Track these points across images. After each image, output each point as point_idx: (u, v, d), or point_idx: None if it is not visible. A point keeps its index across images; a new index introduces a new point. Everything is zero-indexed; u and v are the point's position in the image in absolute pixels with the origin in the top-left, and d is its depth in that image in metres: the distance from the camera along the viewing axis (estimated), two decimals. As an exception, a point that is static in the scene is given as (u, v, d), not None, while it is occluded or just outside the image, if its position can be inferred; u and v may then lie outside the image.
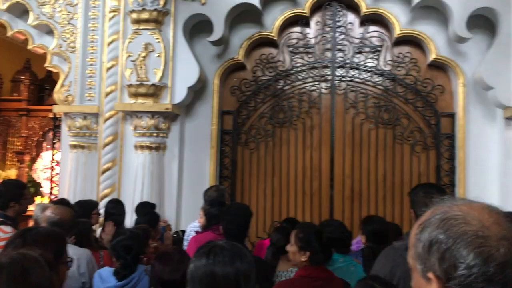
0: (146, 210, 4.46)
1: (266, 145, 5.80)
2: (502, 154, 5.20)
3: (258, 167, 5.80)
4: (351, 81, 5.68)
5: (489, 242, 0.90)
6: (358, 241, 4.47)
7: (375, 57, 5.65)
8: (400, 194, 5.47)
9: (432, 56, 5.44)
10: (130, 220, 4.84)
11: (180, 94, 5.36)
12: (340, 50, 5.71)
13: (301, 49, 5.77)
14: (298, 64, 5.75)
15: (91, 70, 5.68)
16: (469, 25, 5.08)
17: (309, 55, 5.75)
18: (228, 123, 5.82)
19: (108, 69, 5.59)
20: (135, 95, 5.38)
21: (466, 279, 0.89)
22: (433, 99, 5.54)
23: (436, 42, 5.44)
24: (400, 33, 5.49)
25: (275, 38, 5.72)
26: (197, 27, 5.67)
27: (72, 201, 4.52)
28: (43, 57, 6.01)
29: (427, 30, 5.47)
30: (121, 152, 5.56)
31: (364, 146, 5.68)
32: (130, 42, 5.39)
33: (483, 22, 5.30)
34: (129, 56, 5.38)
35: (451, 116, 5.51)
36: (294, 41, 5.80)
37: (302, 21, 5.72)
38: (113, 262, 2.95)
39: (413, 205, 2.74)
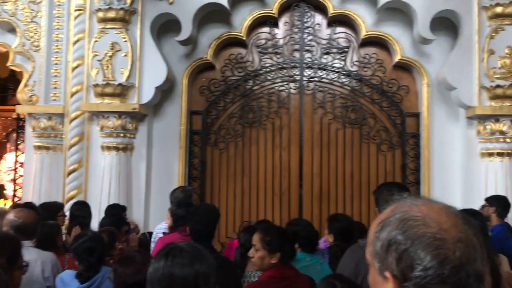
0: (114, 211, 4.41)
1: (236, 145, 5.81)
2: (465, 152, 5.36)
3: (227, 167, 5.80)
4: (319, 81, 5.75)
5: (446, 245, 0.91)
6: (325, 240, 4.54)
7: (342, 58, 5.73)
8: (367, 193, 5.57)
9: (397, 57, 5.56)
10: (97, 222, 4.77)
11: (147, 94, 5.32)
12: (308, 50, 5.77)
13: (269, 50, 5.81)
14: (267, 64, 5.78)
15: (56, 69, 5.58)
16: (432, 27, 5.21)
17: (278, 56, 5.79)
18: (197, 123, 5.80)
19: (74, 68, 5.50)
20: (102, 95, 5.31)
21: (422, 280, 0.91)
22: (398, 99, 5.66)
23: (401, 44, 5.56)
24: (366, 35, 5.59)
25: (243, 38, 5.73)
26: (165, 27, 5.64)
27: (37, 203, 4.43)
28: (5, 56, 5.86)
29: (393, 31, 5.59)
30: (87, 153, 5.48)
31: (332, 146, 5.76)
32: (96, 41, 5.32)
33: (446, 24, 5.44)
34: (95, 55, 5.30)
35: (416, 115, 5.65)
36: (263, 41, 5.83)
37: (270, 21, 5.76)
38: (76, 266, 2.91)
39: (378, 203, 2.79)
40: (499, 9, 5.05)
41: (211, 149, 5.80)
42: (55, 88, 5.58)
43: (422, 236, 0.92)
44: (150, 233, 4.60)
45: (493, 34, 5.06)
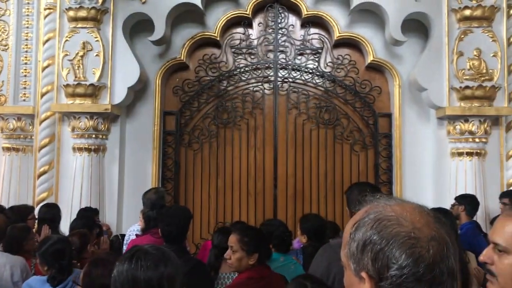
0: (86, 214, 4.35)
1: (210, 146, 5.80)
2: (435, 152, 5.46)
3: (202, 168, 5.79)
4: (293, 82, 5.79)
5: (420, 243, 0.93)
6: (299, 240, 4.57)
7: (316, 58, 5.78)
8: (340, 192, 5.62)
9: (369, 58, 5.64)
10: (69, 225, 4.70)
11: (120, 94, 5.28)
12: (282, 51, 5.80)
13: (244, 50, 5.82)
14: (241, 65, 5.79)
15: (25, 69, 5.48)
16: (404, 29, 5.30)
17: (252, 56, 5.81)
18: (170, 123, 5.78)
19: (44, 68, 5.41)
20: (73, 95, 5.24)
21: (397, 279, 0.92)
22: (371, 100, 5.74)
23: (374, 45, 5.64)
24: (339, 36, 5.65)
25: (217, 38, 5.73)
26: (138, 26, 5.59)
27: (6, 206, 4.34)
28: (-28, 55, 5.71)
29: (365, 33, 5.67)
30: (58, 154, 5.39)
31: (306, 146, 5.81)
32: (67, 40, 5.25)
33: (417, 26, 5.54)
34: (66, 55, 5.23)
35: (388, 116, 5.73)
36: (237, 41, 5.84)
37: (244, 22, 5.77)
38: (44, 271, 2.86)
39: (349, 203, 2.82)
40: (467, 12, 5.17)
41: (185, 150, 5.78)
42: (25, 88, 5.48)
43: (397, 236, 0.93)
44: (123, 235, 4.56)
45: (462, 36, 5.18)
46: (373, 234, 0.95)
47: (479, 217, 4.88)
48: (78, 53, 5.21)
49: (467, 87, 5.14)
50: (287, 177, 5.77)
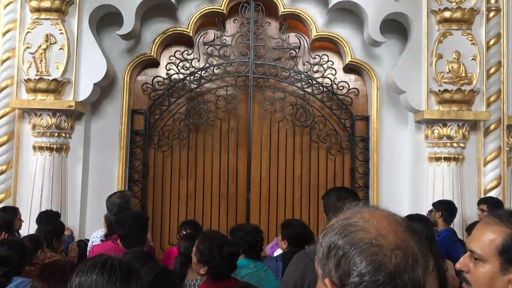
0: (49, 219, 4.25)
1: (181, 147, 5.73)
2: (413, 156, 5.50)
3: (171, 170, 5.72)
4: (268, 81, 5.76)
5: (383, 251, 0.93)
6: (273, 246, 4.54)
7: (293, 58, 5.77)
8: (316, 197, 5.61)
9: (347, 59, 5.66)
10: (27, 229, 4.58)
11: (85, 90, 5.18)
12: (257, 49, 5.77)
13: (217, 47, 5.76)
14: (215, 63, 5.73)
15: (-18, 62, 5.30)
16: (383, 30, 5.33)
17: (226, 54, 5.76)
18: (139, 123, 5.69)
19: (3, 61, 5.27)
20: (34, 91, 5.12)
21: (357, 286, 0.92)
22: (348, 102, 5.75)
23: (352, 45, 5.65)
24: (317, 35, 5.65)
25: (190, 34, 5.66)
26: (106, 19, 5.49)
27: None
28: None
29: (343, 32, 5.68)
30: (17, 153, 5.25)
31: (281, 148, 5.79)
32: (28, 32, 5.13)
33: (397, 27, 5.58)
34: (28, 48, 5.11)
35: (366, 119, 5.76)
36: (211, 38, 5.78)
37: (219, 18, 5.71)
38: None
39: (326, 209, 2.80)
40: (447, 14, 5.23)
41: (154, 150, 5.70)
42: (-18, 82, 5.29)
43: (360, 242, 0.94)
44: (87, 241, 4.45)
45: (442, 38, 5.24)
46: (338, 239, 0.96)
47: (456, 223, 4.93)
48: (40, 46, 5.10)
49: (446, 90, 5.19)
50: (261, 180, 5.74)
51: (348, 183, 5.64)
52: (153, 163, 5.70)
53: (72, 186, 5.27)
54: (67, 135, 5.29)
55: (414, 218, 3.28)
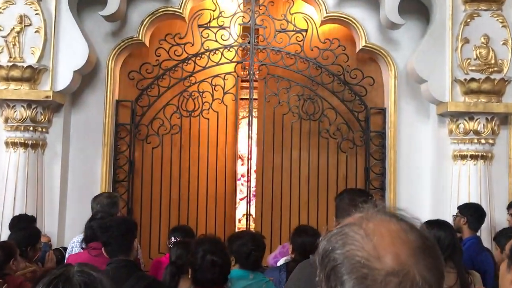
0: (23, 225, 4.26)
1: (172, 141, 5.74)
2: (435, 154, 5.48)
3: (162, 168, 5.72)
4: (272, 68, 5.74)
5: (374, 275, 0.92)
6: (276, 255, 4.52)
7: (300, 41, 5.73)
8: (325, 199, 5.59)
9: (361, 44, 5.63)
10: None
11: (64, 79, 5.18)
12: (259, 31, 5.74)
13: (214, 30, 5.74)
14: (211, 47, 5.72)
15: None
16: (401, 10, 5.29)
17: (224, 37, 5.73)
18: (125, 115, 5.70)
19: (-29, 46, 5.25)
20: (7, 79, 5.14)
21: None
22: (362, 92, 5.72)
23: (366, 28, 5.62)
24: (327, 16, 5.63)
25: (183, 15, 5.65)
26: (87, -1, 5.50)
27: None
28: None
29: (357, 13, 5.65)
30: (-13, 150, 5.26)
31: (286, 144, 5.78)
32: (0, 13, 5.11)
33: (417, 8, 5.54)
34: (-1, 30, 5.11)
35: (382, 111, 5.74)
36: (206, 20, 5.76)
37: (215, -4, 5.71)
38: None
39: (338, 212, 2.78)
40: (475, -8, 5.20)
41: (142, 146, 5.71)
42: None
43: (352, 258, 0.94)
44: (64, 249, 4.45)
45: (468, 20, 5.20)
46: (333, 248, 0.98)
47: (484, 229, 4.91)
48: (13, 28, 5.11)
49: (472, 79, 5.16)
50: (263, 180, 5.73)
51: (361, 184, 5.62)
52: (140, 160, 5.69)
53: (49, 187, 5.26)
54: (44, 130, 5.29)
55: (434, 225, 3.26)
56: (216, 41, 5.73)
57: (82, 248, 3.82)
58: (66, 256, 4.06)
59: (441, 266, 0.98)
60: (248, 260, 3.30)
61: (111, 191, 5.19)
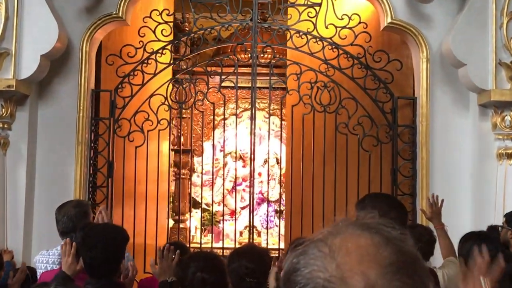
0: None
1: (160, 140, 5.74)
2: (476, 153, 5.48)
3: (148, 171, 5.72)
4: (278, 51, 5.75)
5: None
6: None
7: (312, 18, 5.73)
8: (343, 207, 5.55)
9: (386, 20, 5.63)
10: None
11: (29, 65, 5.19)
12: (263, 7, 5.76)
13: (209, 5, 5.74)
14: (206, 26, 5.72)
15: None
16: (435, -21, 5.31)
17: (221, 12, 5.73)
18: (103, 107, 5.72)
19: None
20: (-40, 65, 5.16)
21: None
22: (388, 78, 5.71)
23: (392, 1, 5.62)
24: (344, -14, 5.64)
25: (172, -13, 5.65)
26: (57, -33, 5.50)
27: None
28: None
29: (381, -17, 5.65)
30: None
31: (296, 141, 5.77)
32: (-49, -14, 5.16)
33: (454, -24, 5.54)
34: (-49, 7, 5.13)
35: (412, 101, 5.73)
36: (200, -8, 5.78)
37: (210, -37, 5.71)
38: None
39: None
40: (523, -44, 5.19)
41: (123, 144, 5.73)
42: None
43: (313, 280, 0.97)
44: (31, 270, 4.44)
45: (516, -10, 5.20)
46: (295, 271, 1.01)
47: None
48: (-32, 4, 5.13)
49: (521, 62, 5.16)
50: (269, 183, 5.72)
51: (387, 189, 5.60)
52: (122, 161, 5.71)
53: (13, 193, 5.29)
54: (6, 126, 5.31)
55: (475, 238, 3.25)
56: (212, 18, 5.73)
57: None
58: (38, 273, 4.01)
59: (422, 286, 0.99)
60: (241, 285, 3.29)
61: (80, 199, 5.15)
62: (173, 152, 6.80)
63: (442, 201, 4.22)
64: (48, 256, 4.03)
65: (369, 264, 0.97)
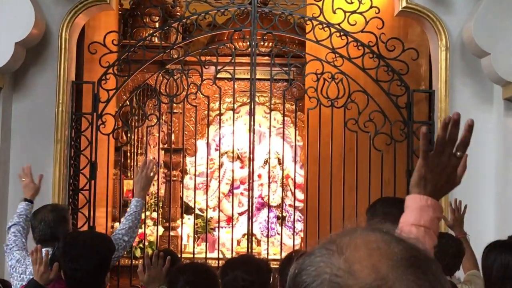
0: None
1: (148, 137, 5.68)
2: (501, 152, 5.45)
3: (133, 171, 5.67)
4: (280, 38, 5.72)
5: None
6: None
7: (318, 1, 5.70)
8: (353, 209, 5.56)
9: (401, 4, 5.60)
10: None
11: (2, 54, 5.17)
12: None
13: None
14: (199, 10, 5.70)
15: None
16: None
17: (218, -4, 5.74)
18: (85, 101, 5.72)
19: None
20: None
21: None
22: (402, 69, 5.68)
23: (407, -18, 5.60)
24: (353, -34, 5.62)
25: (161, -33, 5.60)
26: None
27: None
28: None
29: (394, -38, 5.64)
30: None
31: (301, 138, 5.70)
32: None
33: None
34: None
35: (429, 95, 5.70)
36: (194, -27, 5.75)
37: None
38: None
39: None
40: None
41: (107, 142, 5.71)
42: None
43: (319, 277, 1.00)
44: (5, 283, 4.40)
45: (546, -30, 5.17)
46: (300, 272, 1.03)
47: None
48: None
49: (552, 51, 5.14)
50: (269, 186, 5.68)
51: (402, 192, 5.53)
52: (105, 161, 5.70)
53: (-16, 197, 5.28)
54: (-24, 121, 5.33)
55: (501, 247, 3.19)
56: (206, 1, 5.73)
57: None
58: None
59: (438, 286, 1.00)
60: None
61: (57, 203, 5.14)
62: (162, 152, 6.85)
63: (465, 206, 4.19)
64: (25, 266, 3.99)
65: (380, 258, 0.99)
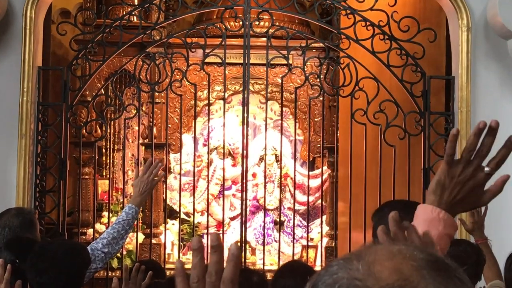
0: None
1: (126, 131, 5.71)
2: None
3: (110, 171, 5.71)
4: (277, 18, 5.73)
5: None
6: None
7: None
8: (362, 214, 5.58)
9: (416, -21, 5.62)
10: None
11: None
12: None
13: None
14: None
15: None
16: None
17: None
18: (53, 90, 5.82)
19: None
20: None
21: None
22: (418, 52, 5.69)
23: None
24: None
25: None
26: None
27: None
28: None
29: None
30: None
31: (302, 128, 5.74)
32: None
33: None
34: None
35: (448, 82, 5.73)
36: None
37: None
38: None
39: (375, 235, 2.84)
40: None
41: (79, 137, 5.73)
42: None
43: (337, 282, 1.02)
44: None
45: None
46: (317, 282, 1.06)
47: None
48: None
49: None
50: (266, 187, 5.71)
51: (417, 193, 5.59)
52: (78, 159, 5.70)
53: None
54: None
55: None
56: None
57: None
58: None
59: None
60: None
61: (22, 207, 5.11)
62: (143, 147, 6.83)
63: (486, 209, 4.21)
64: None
65: (402, 260, 1.02)
